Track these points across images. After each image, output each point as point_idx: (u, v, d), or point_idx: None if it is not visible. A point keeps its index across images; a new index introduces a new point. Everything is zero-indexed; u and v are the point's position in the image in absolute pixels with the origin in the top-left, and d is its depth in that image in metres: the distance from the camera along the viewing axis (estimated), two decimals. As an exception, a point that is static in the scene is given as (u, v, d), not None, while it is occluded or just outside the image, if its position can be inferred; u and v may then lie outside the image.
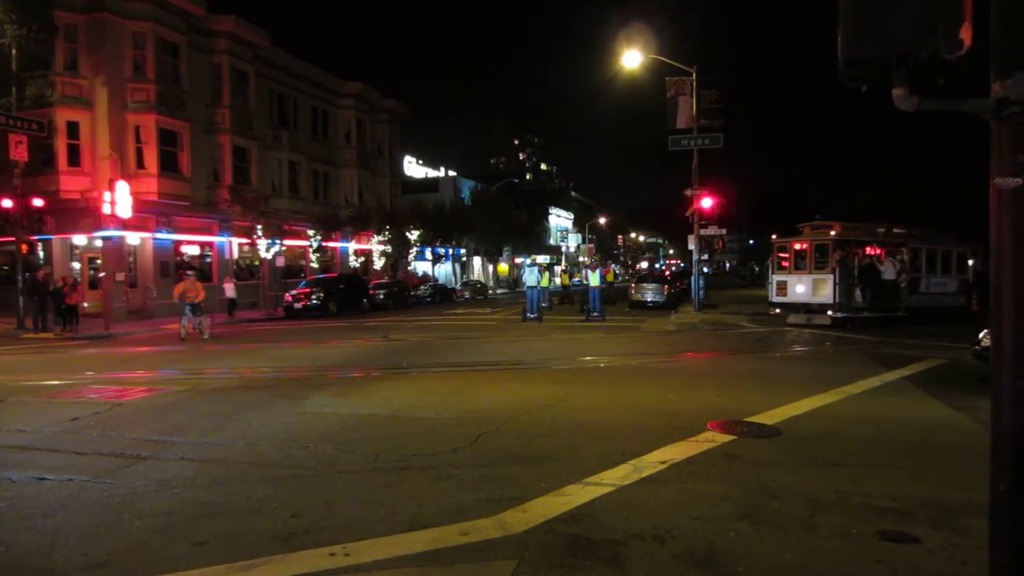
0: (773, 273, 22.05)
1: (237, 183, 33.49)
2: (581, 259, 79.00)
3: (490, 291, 55.13)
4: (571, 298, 36.63)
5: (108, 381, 11.91)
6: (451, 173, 71.73)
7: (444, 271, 57.54)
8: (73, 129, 27.86)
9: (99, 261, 28.38)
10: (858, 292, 20.21)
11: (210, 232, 32.84)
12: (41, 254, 28.28)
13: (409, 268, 48.98)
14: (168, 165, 29.45)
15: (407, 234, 45.67)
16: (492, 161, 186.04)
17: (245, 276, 34.44)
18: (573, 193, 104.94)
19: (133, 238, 28.42)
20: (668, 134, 25.67)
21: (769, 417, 7.93)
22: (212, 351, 16.91)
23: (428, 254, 51.86)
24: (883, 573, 4.01)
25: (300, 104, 40.16)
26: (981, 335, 10.55)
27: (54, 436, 7.63)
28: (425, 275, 51.55)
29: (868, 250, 21.47)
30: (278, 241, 33.19)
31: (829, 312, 19.75)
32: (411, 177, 63.68)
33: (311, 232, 37.16)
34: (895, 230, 22.22)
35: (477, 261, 64.72)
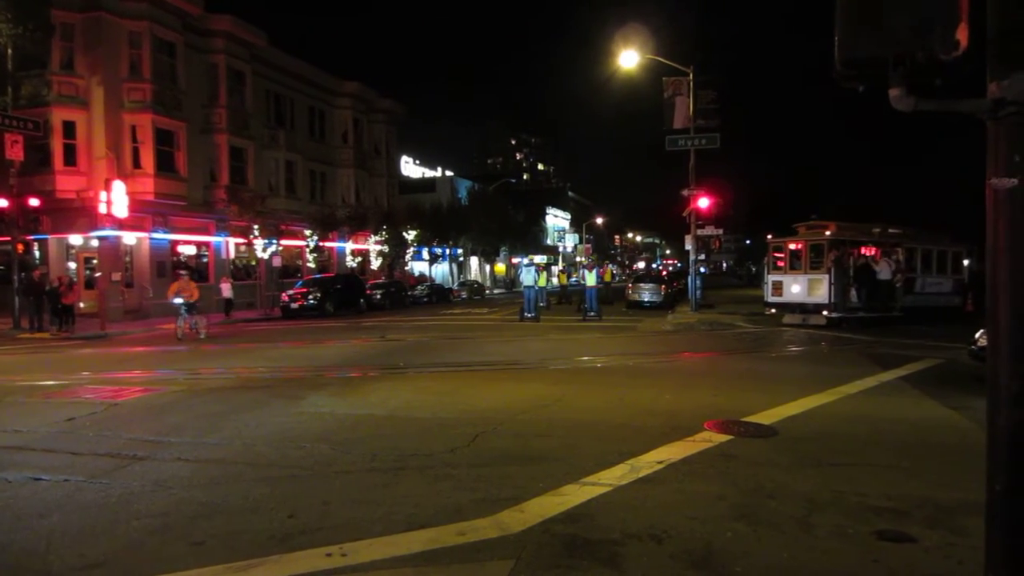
0: (769, 273, 22.07)
1: (234, 183, 33.44)
2: (578, 259, 79.10)
3: (487, 291, 55.12)
4: (569, 298, 36.66)
5: (104, 381, 11.88)
6: (448, 173, 71.69)
7: (441, 271, 57.53)
8: (69, 129, 27.81)
9: (95, 261, 28.31)
10: (853, 292, 20.24)
11: (207, 232, 32.78)
12: (37, 254, 28.17)
13: (406, 268, 48.98)
14: (164, 165, 29.40)
15: (404, 234, 45.66)
16: (489, 161, 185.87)
17: (242, 276, 34.40)
18: (570, 193, 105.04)
19: (129, 238, 28.37)
20: (665, 134, 25.68)
21: (766, 417, 7.94)
22: (209, 351, 16.89)
23: (425, 254, 51.84)
24: (880, 573, 4.02)
25: (297, 104, 40.11)
26: (977, 335, 10.56)
27: (50, 436, 7.61)
28: (422, 275, 51.53)
29: (864, 250, 21.49)
30: (275, 241, 33.16)
31: (824, 312, 19.77)
32: (408, 177, 63.63)
33: (308, 232, 37.13)
34: (890, 230, 22.25)
35: (474, 261, 64.73)
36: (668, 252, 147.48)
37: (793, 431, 7.31)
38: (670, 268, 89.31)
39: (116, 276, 27.57)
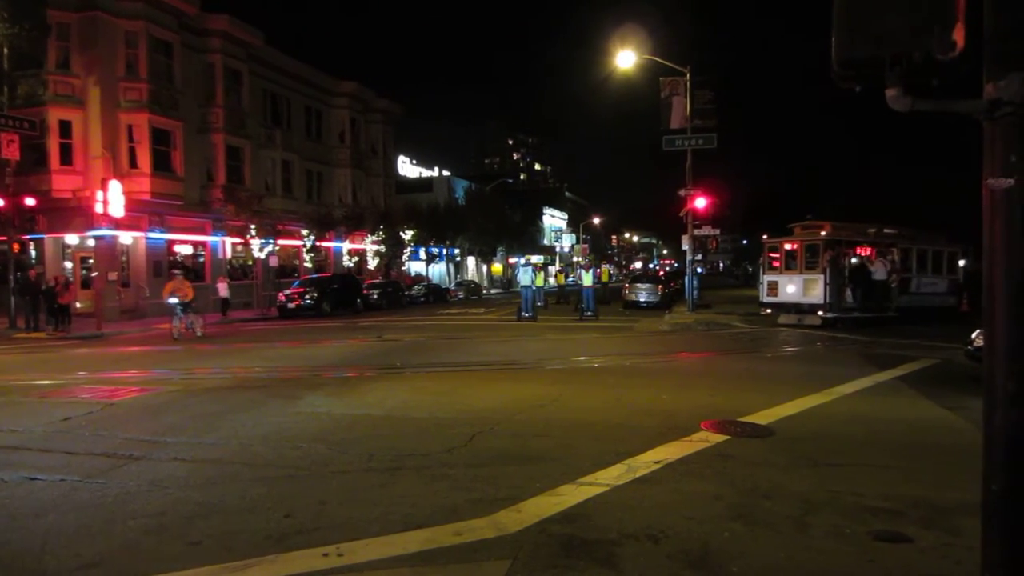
0: (764, 273, 22.10)
1: (230, 182, 33.39)
2: (575, 259, 79.13)
3: (484, 291, 55.11)
4: (567, 298, 36.67)
5: (100, 381, 11.86)
6: (445, 173, 71.68)
7: (438, 271, 57.51)
8: (65, 128, 27.73)
9: (91, 261, 28.28)
10: (849, 292, 20.27)
11: (203, 232, 32.73)
12: (33, 253, 28.12)
13: (403, 268, 48.96)
14: (161, 164, 29.34)
15: (401, 234, 45.64)
16: (486, 161, 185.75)
17: (239, 276, 34.37)
18: (567, 193, 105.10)
19: (126, 237, 28.30)
20: (662, 134, 25.71)
21: (763, 417, 7.95)
22: (205, 351, 16.86)
23: (422, 254, 51.81)
24: (876, 573, 4.03)
25: (294, 103, 40.07)
26: (974, 335, 10.59)
27: (46, 436, 7.60)
28: (419, 275, 51.51)
29: (859, 250, 21.53)
30: (272, 241, 33.13)
31: (820, 312, 19.80)
32: (405, 177, 63.60)
33: (305, 232, 37.10)
34: (886, 230, 22.29)
35: (471, 261, 64.74)
36: (665, 252, 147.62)
37: (790, 431, 7.32)
38: (667, 268, 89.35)
39: (112, 276, 27.51)
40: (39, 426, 8.09)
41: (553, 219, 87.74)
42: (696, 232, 27.86)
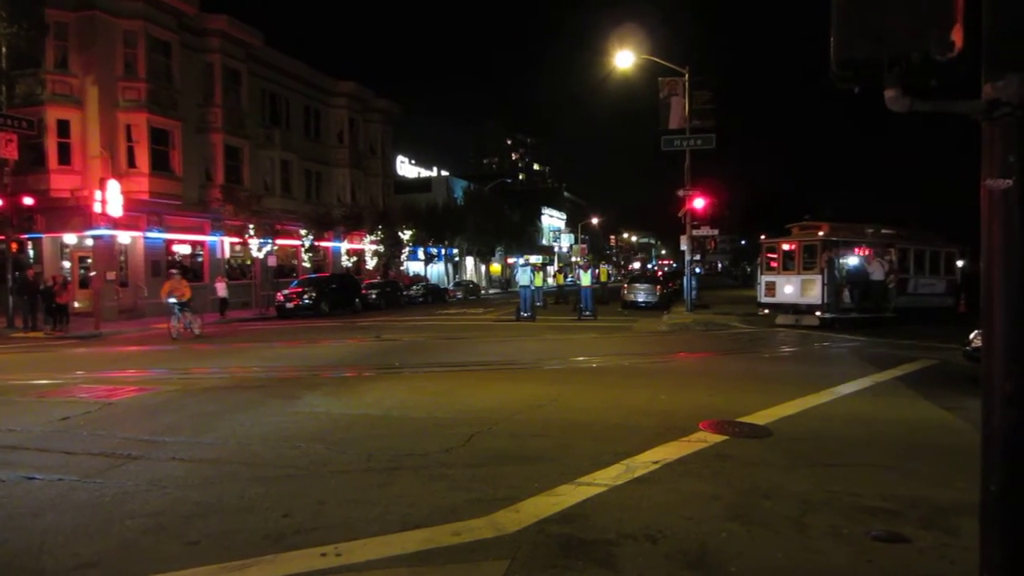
0: (762, 274, 22.10)
1: (229, 182, 33.38)
2: (574, 259, 79.14)
3: (482, 291, 55.13)
4: (566, 298, 36.69)
5: (98, 380, 11.84)
6: (444, 173, 71.70)
7: (437, 271, 57.51)
8: (64, 128, 27.69)
9: (89, 260, 28.26)
10: (846, 293, 20.27)
11: (202, 231, 32.71)
12: (31, 253, 28.11)
13: (401, 268, 48.95)
14: (159, 164, 29.32)
15: (400, 234, 45.65)
16: (485, 161, 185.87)
17: (237, 275, 34.35)
18: (566, 193, 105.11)
19: (124, 237, 28.28)
20: (661, 135, 25.72)
21: (761, 417, 7.96)
22: (203, 351, 16.85)
23: (421, 254, 51.81)
24: (874, 573, 4.03)
25: (292, 103, 40.06)
26: (972, 336, 10.60)
27: (44, 436, 7.59)
28: (417, 275, 51.51)
29: (857, 250, 21.54)
30: (270, 240, 33.13)
31: (817, 313, 19.80)
32: (404, 177, 63.63)
33: (303, 232, 37.09)
34: (883, 230, 22.30)
35: (470, 261, 64.73)
36: (664, 252, 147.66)
37: (788, 431, 7.32)
38: (665, 268, 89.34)
39: (111, 275, 27.49)
40: (37, 426, 8.08)
41: (551, 219, 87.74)
42: (694, 232, 27.87)
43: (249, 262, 34.56)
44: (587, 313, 24.77)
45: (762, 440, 7.01)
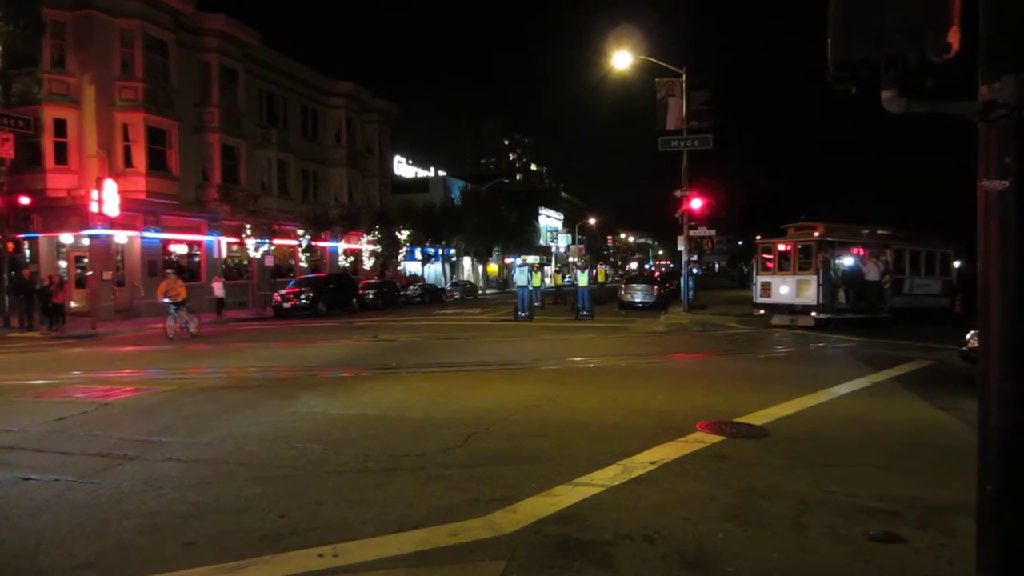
0: (757, 274, 22.12)
1: (226, 182, 33.33)
2: (571, 259, 79.16)
3: (480, 291, 55.11)
4: (564, 298, 36.71)
5: (95, 381, 11.82)
6: (441, 173, 71.68)
7: (434, 271, 57.47)
8: (60, 127, 27.63)
9: (86, 260, 28.19)
10: (842, 293, 20.29)
11: (199, 231, 32.67)
12: (27, 252, 28.06)
13: (399, 268, 48.90)
14: (156, 163, 29.26)
15: (397, 234, 45.61)
16: (482, 161, 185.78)
17: (234, 275, 34.31)
18: (563, 193, 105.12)
19: (121, 237, 28.23)
20: (658, 135, 25.73)
21: (758, 418, 7.97)
22: (200, 351, 16.82)
23: (418, 254, 51.78)
24: (871, 573, 4.03)
25: (290, 103, 40.02)
26: (968, 336, 10.63)
27: (40, 436, 7.57)
28: (414, 275, 51.48)
29: (852, 251, 21.55)
30: (267, 240, 33.07)
31: (813, 313, 19.81)
32: (401, 177, 63.59)
33: (300, 232, 37.03)
34: (879, 231, 22.33)
35: (467, 261, 64.70)
36: (661, 253, 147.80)
37: (785, 432, 7.33)
38: (663, 269, 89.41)
39: (107, 275, 27.44)
40: (33, 426, 8.06)
41: (549, 219, 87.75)
42: (692, 233, 27.87)
43: (246, 262, 34.51)
44: (584, 313, 24.82)
45: (759, 440, 7.02)
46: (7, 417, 8.66)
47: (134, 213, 28.21)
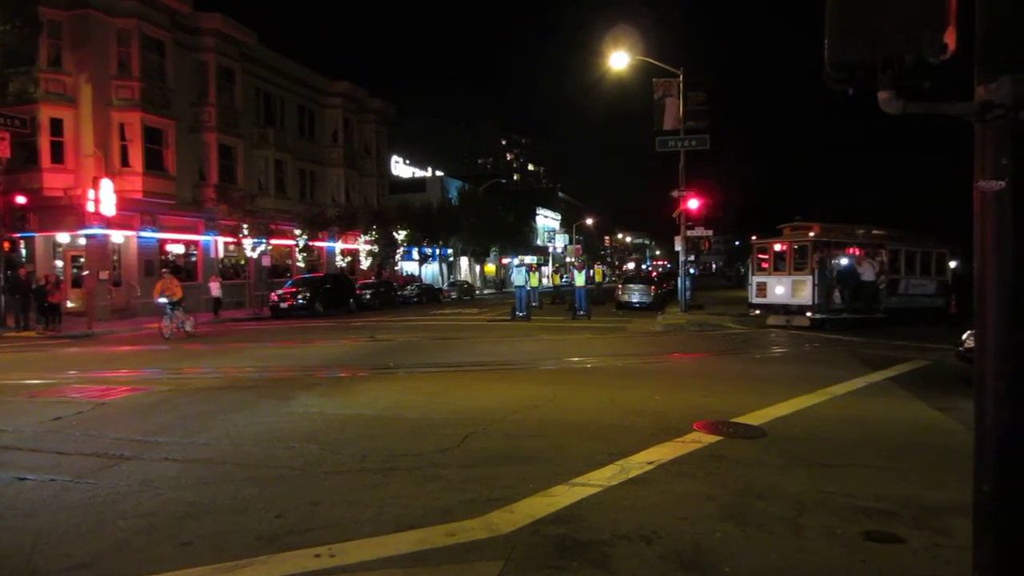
0: (753, 274, 22.13)
1: (223, 182, 33.29)
2: (568, 260, 79.15)
3: (477, 292, 55.07)
4: (562, 298, 36.71)
5: (91, 380, 11.80)
6: (438, 173, 71.63)
7: (431, 271, 57.43)
8: (57, 126, 27.57)
9: (83, 259, 28.12)
10: (837, 293, 20.31)
11: (195, 231, 32.62)
12: (24, 252, 27.98)
13: (396, 268, 48.88)
14: (153, 163, 29.23)
15: (394, 234, 45.58)
16: (479, 161, 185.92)
17: (231, 275, 34.23)
18: (560, 194, 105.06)
19: (117, 236, 28.19)
20: (655, 135, 25.74)
21: (755, 418, 7.97)
22: (197, 350, 16.80)
23: (415, 254, 51.76)
24: (868, 573, 4.04)
25: (287, 103, 39.98)
26: (964, 336, 10.64)
27: (36, 436, 7.55)
28: (412, 275, 51.45)
29: (848, 251, 21.58)
30: (264, 240, 33.03)
31: (808, 313, 19.83)
32: (398, 177, 63.54)
33: (297, 231, 37.00)
34: (874, 231, 22.36)
35: (464, 261, 64.66)
36: (658, 253, 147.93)
37: (782, 432, 7.34)
38: (660, 269, 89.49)
39: (103, 275, 27.39)
40: (29, 426, 8.04)
41: (546, 220, 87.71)
42: (689, 233, 27.90)
43: (243, 262, 34.46)
44: (581, 313, 24.85)
45: (756, 440, 7.02)
46: (3, 417, 8.65)
47: (131, 213, 28.16)
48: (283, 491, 5.52)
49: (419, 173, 70.48)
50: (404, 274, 50.65)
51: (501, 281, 66.58)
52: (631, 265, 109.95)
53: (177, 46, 31.01)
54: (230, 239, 32.98)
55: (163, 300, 19.78)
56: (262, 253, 32.83)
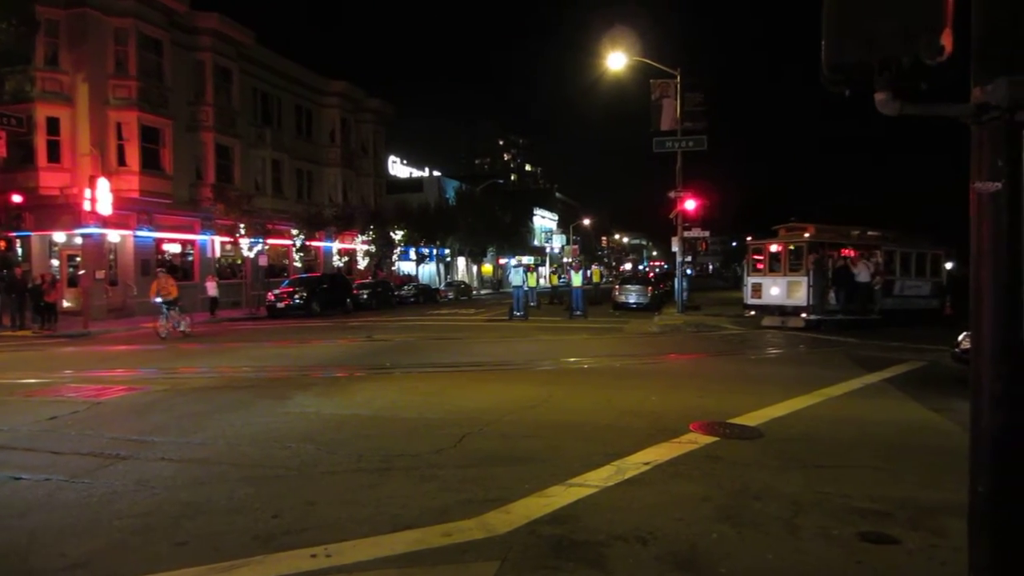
0: (748, 275, 22.14)
1: (220, 181, 33.21)
2: (565, 260, 79.16)
3: (474, 292, 55.04)
4: (560, 298, 36.70)
5: (87, 380, 11.77)
6: (436, 173, 71.52)
7: (428, 271, 57.41)
8: (53, 125, 27.48)
9: (79, 258, 28.06)
10: (832, 294, 20.32)
11: (192, 230, 32.54)
12: (20, 251, 27.90)
13: (393, 268, 48.85)
14: (150, 162, 29.17)
15: (391, 234, 45.55)
16: (477, 161, 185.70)
17: (228, 275, 34.18)
18: (558, 194, 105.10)
19: (114, 236, 28.12)
20: (652, 136, 25.75)
21: (751, 419, 7.98)
22: (193, 350, 16.77)
23: (412, 254, 51.73)
24: (864, 574, 4.05)
25: (284, 102, 39.92)
26: (960, 337, 10.65)
27: (31, 435, 7.54)
28: (409, 275, 51.42)
29: (843, 252, 21.60)
30: (261, 240, 32.99)
31: (803, 314, 19.84)
32: (395, 177, 63.45)
33: (294, 231, 36.95)
34: (870, 232, 22.38)
35: (461, 262, 64.63)
36: (655, 254, 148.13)
37: (778, 433, 7.35)
38: (657, 270, 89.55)
39: (100, 274, 27.32)
40: (24, 425, 8.03)
41: (543, 220, 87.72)
42: (686, 234, 27.91)
43: (240, 261, 34.41)
44: (578, 313, 24.88)
45: (752, 441, 7.03)
46: (-2, 416, 8.62)
47: (127, 212, 28.10)
48: (279, 491, 5.51)
49: (416, 173, 70.39)
50: (401, 274, 50.61)
51: (498, 281, 66.55)
52: (628, 266, 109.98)
53: (174, 45, 30.94)
54: (227, 239, 32.91)
55: (159, 300, 19.75)
56: (259, 253, 32.78)
